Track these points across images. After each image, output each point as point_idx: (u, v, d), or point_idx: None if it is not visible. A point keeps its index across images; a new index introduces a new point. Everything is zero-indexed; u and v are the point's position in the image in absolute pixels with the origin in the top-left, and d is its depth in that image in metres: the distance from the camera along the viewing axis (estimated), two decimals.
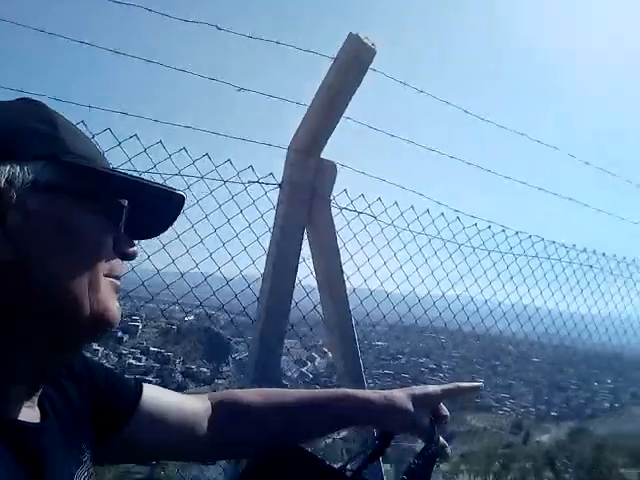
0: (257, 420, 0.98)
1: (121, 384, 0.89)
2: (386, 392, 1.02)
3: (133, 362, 54.89)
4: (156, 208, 0.73)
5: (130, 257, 0.71)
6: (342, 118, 1.74)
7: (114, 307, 0.67)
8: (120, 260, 0.70)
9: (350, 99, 1.66)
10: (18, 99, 0.69)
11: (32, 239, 0.60)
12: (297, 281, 1.99)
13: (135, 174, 0.76)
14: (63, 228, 0.62)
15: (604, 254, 2.87)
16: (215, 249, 2.11)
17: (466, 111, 2.28)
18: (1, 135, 0.61)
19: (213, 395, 1.01)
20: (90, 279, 0.63)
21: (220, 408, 0.99)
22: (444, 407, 1.05)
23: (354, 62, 1.56)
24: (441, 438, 1.01)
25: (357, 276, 2.34)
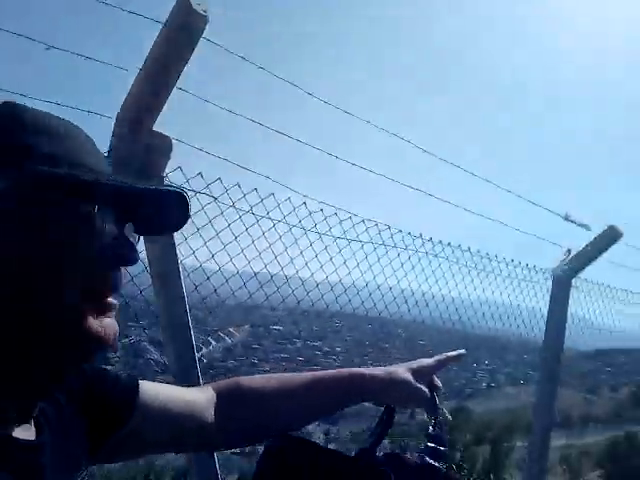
0: (263, 404, 0.98)
1: (116, 382, 0.85)
2: (387, 368, 1.07)
3: None
4: (155, 206, 0.67)
5: (128, 262, 0.65)
6: (176, 89, 1.62)
7: (97, 325, 0.61)
8: (117, 269, 0.64)
9: (181, 69, 1.51)
10: None
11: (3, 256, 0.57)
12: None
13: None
14: (35, 239, 0.58)
15: (449, 244, 3.11)
16: None
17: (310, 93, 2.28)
18: None
19: (218, 384, 1.01)
20: (65, 296, 0.59)
21: (225, 395, 0.98)
22: (436, 379, 1.11)
23: (183, 29, 1.48)
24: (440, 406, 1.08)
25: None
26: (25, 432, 0.62)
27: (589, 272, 3.14)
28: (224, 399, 0.97)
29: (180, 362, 1.69)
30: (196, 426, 0.92)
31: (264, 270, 2.42)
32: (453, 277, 3.18)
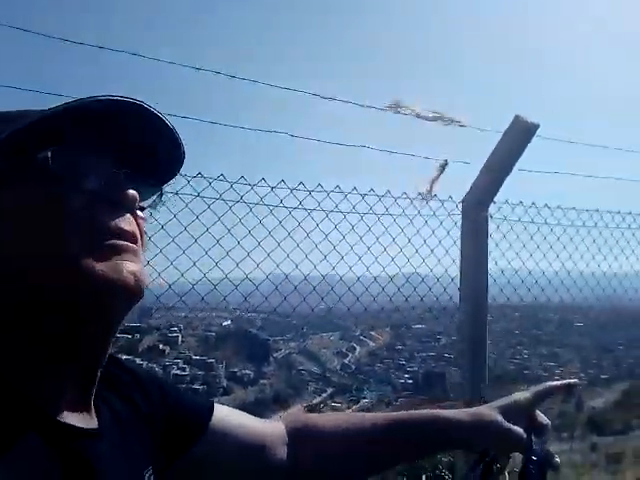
0: (338, 449, 0.92)
1: (192, 403, 0.84)
2: (471, 410, 0.95)
3: (178, 372, 55.80)
4: (140, 135, 0.61)
5: (126, 204, 0.60)
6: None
7: (102, 267, 0.56)
8: (116, 211, 0.59)
9: (515, 163, 2.09)
10: None
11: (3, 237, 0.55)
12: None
13: None
14: (14, 219, 0.56)
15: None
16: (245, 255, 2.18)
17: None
18: None
19: (288, 420, 0.95)
20: (70, 254, 0.55)
21: (298, 435, 0.92)
22: (541, 415, 0.96)
23: (522, 138, 2.02)
24: (546, 447, 0.92)
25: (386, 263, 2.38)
26: (85, 420, 0.61)
27: None
28: (296, 438, 0.91)
29: None
30: (263, 462, 0.86)
31: (392, 273, 2.47)
32: (611, 250, 2.97)
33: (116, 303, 0.60)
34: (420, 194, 2.19)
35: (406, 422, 0.93)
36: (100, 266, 0.56)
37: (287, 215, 2.22)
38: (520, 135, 2.02)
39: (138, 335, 60.29)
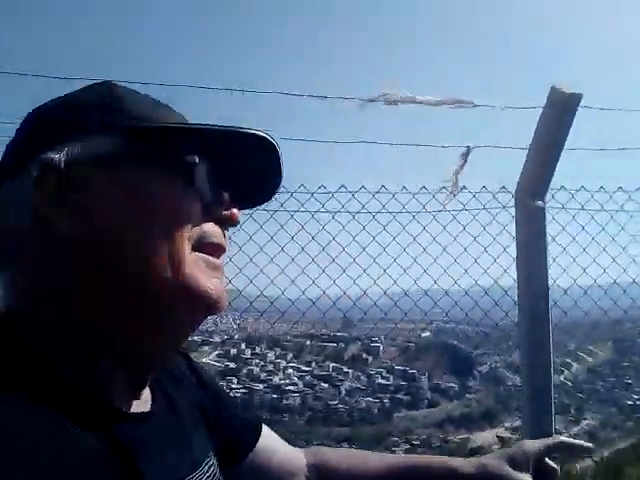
0: None
1: (243, 419, 0.88)
2: (477, 460, 0.97)
3: (382, 382, 56.99)
4: (252, 163, 0.64)
5: (230, 222, 0.64)
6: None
7: (206, 284, 0.59)
8: (216, 226, 0.62)
9: (564, 142, 1.72)
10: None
11: (101, 213, 0.57)
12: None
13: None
14: (133, 198, 0.58)
15: None
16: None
17: None
18: (57, 118, 0.61)
19: (308, 454, 1.00)
20: (171, 253, 0.57)
21: (317, 470, 0.97)
22: (550, 462, 0.98)
23: (562, 113, 1.69)
24: None
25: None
26: (136, 405, 0.61)
27: None
28: (313, 473, 0.95)
29: (534, 385, 1.65)
30: None
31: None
32: None
33: (204, 317, 0.63)
34: (447, 188, 1.87)
35: (415, 467, 0.97)
36: (205, 281, 0.59)
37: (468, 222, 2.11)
38: (562, 108, 1.65)
39: (343, 344, 63.19)
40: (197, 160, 0.60)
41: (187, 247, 0.58)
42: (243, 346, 60.59)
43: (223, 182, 0.64)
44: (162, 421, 0.62)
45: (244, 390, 53.80)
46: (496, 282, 2.29)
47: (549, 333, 1.69)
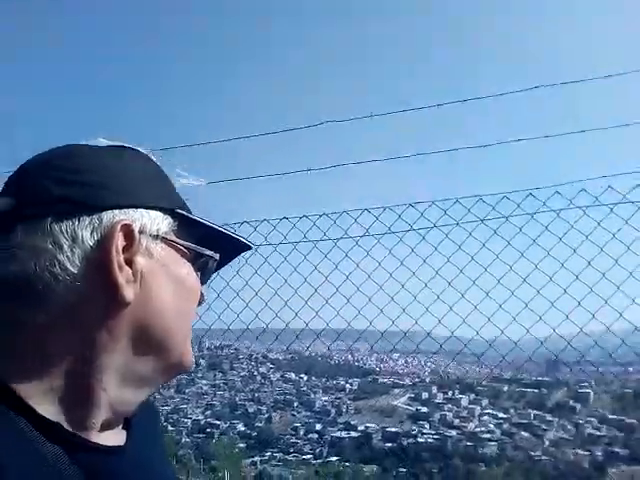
0: None
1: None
2: None
3: (593, 432, 50.64)
4: (225, 252, 0.74)
5: (201, 304, 0.73)
6: None
7: (192, 354, 0.70)
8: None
9: None
10: (120, 146, 0.69)
11: (151, 283, 0.63)
12: None
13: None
14: (174, 276, 0.66)
15: None
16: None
17: None
18: (129, 184, 0.64)
19: None
20: (187, 327, 0.68)
21: None
22: None
23: None
24: None
25: None
26: (113, 438, 0.64)
27: None
28: None
29: None
30: None
31: None
32: None
33: (175, 376, 0.73)
34: None
35: None
36: (190, 349, 0.69)
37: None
38: None
39: (546, 390, 57.66)
40: (217, 258, 0.71)
41: (190, 326, 0.70)
42: (435, 390, 58.86)
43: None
44: (135, 454, 0.67)
45: (437, 436, 52.01)
46: None
47: None
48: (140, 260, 0.61)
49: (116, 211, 0.61)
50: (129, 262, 0.60)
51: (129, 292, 0.60)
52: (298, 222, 2.67)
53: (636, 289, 1.93)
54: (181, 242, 0.66)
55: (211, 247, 0.70)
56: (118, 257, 0.59)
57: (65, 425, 0.58)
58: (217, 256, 0.70)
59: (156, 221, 0.64)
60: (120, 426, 0.68)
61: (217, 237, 0.71)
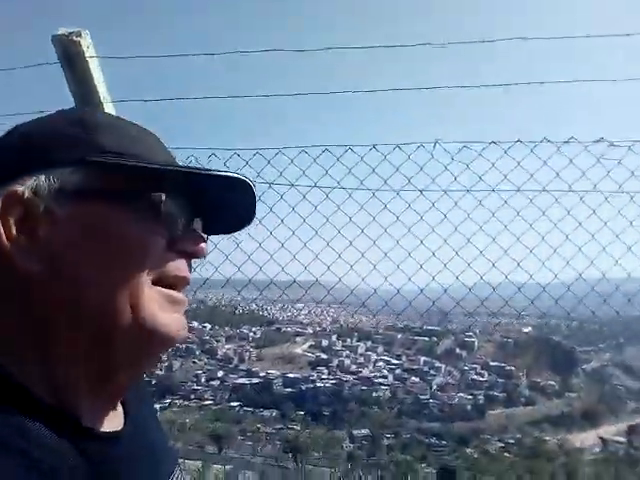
0: None
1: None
2: None
3: (476, 377, 55.46)
4: (225, 198, 0.65)
5: (197, 255, 0.64)
6: None
7: (165, 320, 0.59)
8: (181, 259, 0.62)
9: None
10: (57, 111, 0.66)
11: (62, 248, 0.56)
12: None
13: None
14: (95, 234, 0.57)
15: None
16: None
17: None
18: (27, 147, 0.60)
19: None
20: (130, 288, 0.57)
21: None
22: None
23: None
24: None
25: None
26: (110, 423, 0.62)
27: None
28: None
29: None
30: None
31: None
32: None
33: (162, 352, 0.64)
34: None
35: None
36: (164, 318, 0.59)
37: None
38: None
39: (435, 338, 62.17)
40: (163, 198, 0.59)
41: (147, 283, 0.58)
42: (334, 338, 61.45)
43: (200, 215, 0.65)
44: (133, 438, 0.63)
45: (334, 381, 54.61)
46: (604, 276, 2.11)
47: None
48: (43, 226, 0.55)
49: (10, 181, 0.56)
50: (29, 230, 0.55)
51: (26, 262, 0.54)
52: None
53: (533, 242, 1.99)
54: (97, 193, 0.57)
55: (180, 190, 0.61)
56: (6, 227, 0.54)
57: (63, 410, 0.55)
58: (160, 197, 0.59)
59: (58, 179, 0.56)
60: (116, 411, 0.64)
61: (196, 178, 0.61)
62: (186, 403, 50.23)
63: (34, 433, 0.51)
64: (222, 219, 0.68)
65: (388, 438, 44.53)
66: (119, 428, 0.62)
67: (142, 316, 0.57)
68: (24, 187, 0.56)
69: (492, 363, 58.16)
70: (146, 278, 0.58)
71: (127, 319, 0.56)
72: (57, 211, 0.56)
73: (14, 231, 0.55)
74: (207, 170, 0.62)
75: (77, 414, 0.57)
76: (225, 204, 0.65)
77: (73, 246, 0.56)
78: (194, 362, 57.42)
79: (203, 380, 54.90)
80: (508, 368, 56.88)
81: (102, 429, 0.60)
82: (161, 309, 0.59)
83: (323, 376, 55.36)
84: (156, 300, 0.59)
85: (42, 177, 0.56)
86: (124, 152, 0.59)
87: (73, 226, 0.56)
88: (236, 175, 0.62)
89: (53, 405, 0.55)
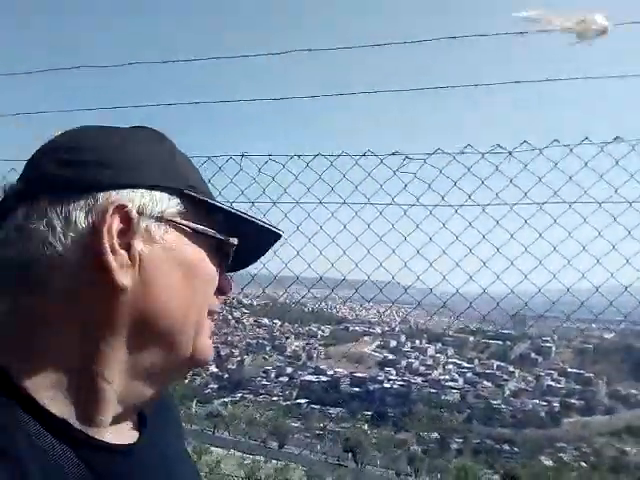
0: None
1: None
2: None
3: (552, 384, 52.93)
4: (253, 242, 0.68)
5: (226, 294, 0.68)
6: None
7: (211, 347, 0.65)
8: (217, 297, 0.66)
9: None
10: (136, 127, 0.67)
11: (154, 271, 0.57)
12: None
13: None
14: (182, 262, 0.60)
15: None
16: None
17: None
18: (131, 163, 0.59)
19: None
20: (198, 317, 0.61)
21: None
22: None
23: None
24: None
25: None
26: (123, 436, 0.61)
27: None
28: None
29: None
30: None
31: None
32: None
33: (189, 372, 0.70)
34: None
35: None
36: (211, 350, 0.65)
37: None
38: None
39: (509, 342, 59.77)
40: (236, 242, 0.64)
41: (205, 317, 0.63)
42: (403, 339, 60.55)
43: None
44: (147, 452, 0.63)
45: (402, 382, 53.84)
46: None
47: None
48: (139, 244, 0.57)
49: (113, 192, 0.56)
50: (126, 246, 0.56)
51: (123, 277, 0.55)
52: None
53: (601, 251, 1.96)
54: (191, 225, 0.60)
55: (235, 233, 0.64)
56: (111, 240, 0.55)
57: (72, 422, 0.55)
58: (235, 241, 0.64)
59: (160, 202, 0.58)
60: (132, 423, 0.64)
61: (240, 223, 0.65)
62: (256, 398, 51.07)
63: (23, 432, 0.51)
64: (237, 259, 0.70)
65: (457, 442, 43.45)
66: (133, 441, 0.62)
67: (201, 343, 0.62)
68: (131, 202, 0.57)
69: (570, 369, 55.49)
70: (206, 309, 0.63)
71: (189, 344, 0.61)
72: (155, 233, 0.58)
73: (117, 244, 0.55)
74: (275, 227, 0.68)
75: (89, 425, 0.57)
76: (249, 247, 0.69)
77: (164, 270, 0.58)
78: (264, 358, 58.33)
79: (273, 376, 55.69)
80: (587, 375, 54.04)
81: (115, 441, 0.59)
82: (209, 339, 0.65)
83: (391, 377, 54.74)
84: (209, 329, 0.65)
85: (147, 197, 0.58)
86: (200, 188, 0.63)
87: (167, 251, 0.58)
88: (281, 232, 0.69)
89: (60, 415, 0.55)
